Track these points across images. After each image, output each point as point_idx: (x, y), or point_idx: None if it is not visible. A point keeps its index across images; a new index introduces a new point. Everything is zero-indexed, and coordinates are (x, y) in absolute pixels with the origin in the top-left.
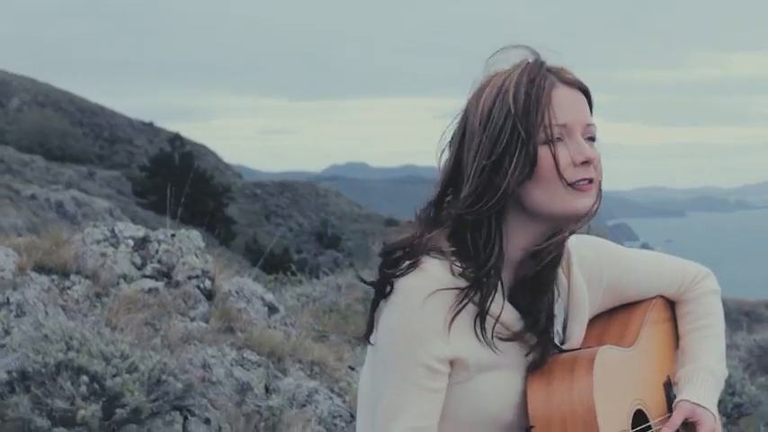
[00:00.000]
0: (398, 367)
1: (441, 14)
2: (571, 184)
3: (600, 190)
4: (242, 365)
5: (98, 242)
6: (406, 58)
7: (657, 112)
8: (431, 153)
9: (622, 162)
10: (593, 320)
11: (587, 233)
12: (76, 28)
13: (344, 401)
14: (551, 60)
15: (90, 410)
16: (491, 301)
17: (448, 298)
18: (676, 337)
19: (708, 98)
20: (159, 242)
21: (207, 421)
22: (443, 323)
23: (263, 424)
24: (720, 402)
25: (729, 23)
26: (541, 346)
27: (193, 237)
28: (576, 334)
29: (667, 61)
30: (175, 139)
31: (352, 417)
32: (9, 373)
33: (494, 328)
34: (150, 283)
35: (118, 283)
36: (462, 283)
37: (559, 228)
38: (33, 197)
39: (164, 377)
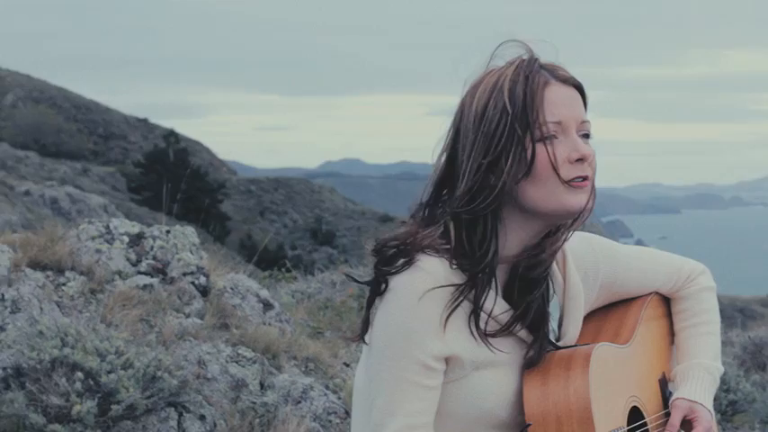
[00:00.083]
0: (394, 365)
1: (436, 11)
2: (567, 182)
3: (594, 187)
4: (237, 362)
5: (93, 238)
6: (400, 54)
7: (652, 108)
8: (426, 149)
9: (617, 159)
10: (589, 317)
11: (582, 229)
12: (71, 24)
13: (339, 398)
14: (547, 55)
15: (85, 407)
16: (485, 299)
17: (443, 295)
18: (672, 334)
19: (703, 95)
20: (154, 238)
21: (202, 418)
22: (439, 321)
23: (257, 420)
24: (715, 399)
25: (724, 20)
26: (537, 344)
27: (188, 233)
28: (572, 331)
29: (662, 58)
30: (170, 135)
31: (347, 413)
32: (4, 369)
33: (486, 323)
34: (145, 280)
35: (113, 280)
36: (457, 281)
37: (555, 225)
38: (28, 193)
39: (159, 373)
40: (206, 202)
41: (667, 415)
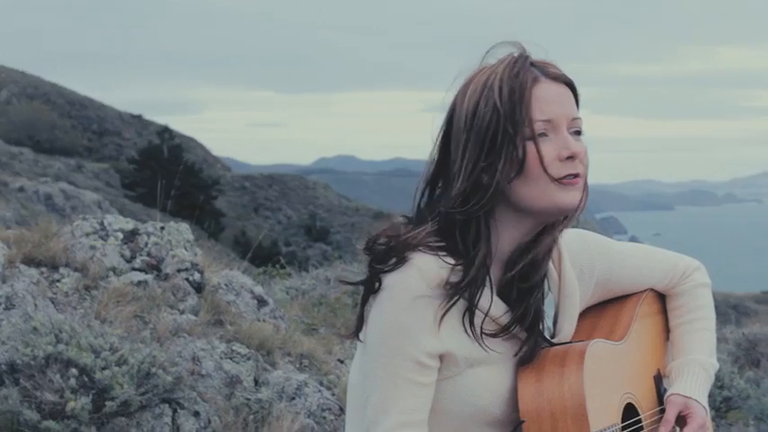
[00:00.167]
0: (388, 362)
1: (430, 7)
2: (557, 180)
3: (586, 183)
4: (231, 358)
5: (87, 235)
6: (395, 51)
7: (646, 105)
8: (420, 146)
9: (611, 155)
10: (584, 314)
11: (576, 226)
12: (66, 21)
13: (333, 394)
14: (538, 55)
15: (79, 403)
16: (480, 297)
17: (438, 292)
18: (667, 331)
19: (696, 91)
20: (148, 235)
21: (196, 414)
22: (433, 318)
23: (252, 417)
24: (709, 396)
25: (716, 17)
26: (531, 341)
27: (183, 230)
28: (567, 328)
29: (655, 55)
30: (164, 131)
31: (341, 410)
32: None
33: (483, 322)
34: (139, 276)
35: (107, 276)
36: (452, 279)
37: (547, 223)
38: (22, 190)
39: (153, 370)
40: (200, 198)
41: (662, 411)
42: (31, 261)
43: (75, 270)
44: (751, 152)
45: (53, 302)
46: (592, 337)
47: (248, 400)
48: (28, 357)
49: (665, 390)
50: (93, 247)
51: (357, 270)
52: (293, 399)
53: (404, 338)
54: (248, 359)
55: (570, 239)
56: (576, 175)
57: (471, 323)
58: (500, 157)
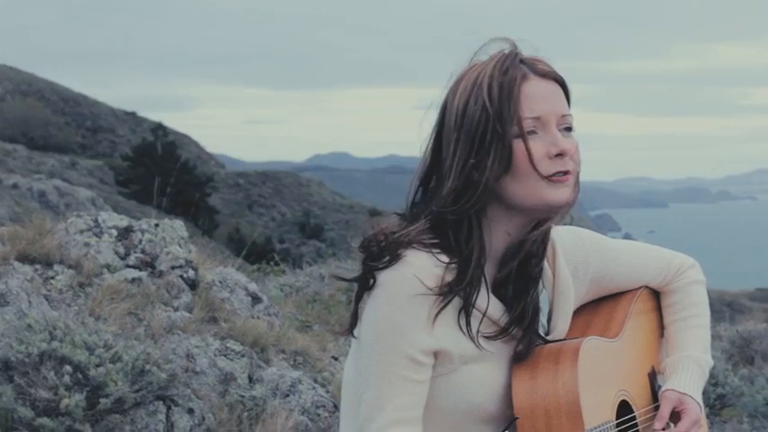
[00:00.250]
0: (383, 359)
1: (426, 5)
2: (547, 177)
3: (577, 180)
4: (225, 355)
5: (81, 232)
6: (389, 48)
7: (640, 102)
8: (414, 143)
9: (605, 152)
10: (578, 311)
11: (569, 224)
12: (60, 17)
13: (328, 391)
14: (529, 52)
15: (73, 400)
16: (476, 296)
17: (432, 290)
18: (661, 328)
19: (690, 89)
20: (143, 232)
21: (190, 411)
22: (428, 316)
23: (246, 414)
24: (703, 393)
25: (713, 14)
26: (526, 338)
27: (177, 227)
28: (561, 325)
29: (650, 52)
30: (158, 128)
31: (336, 407)
32: None
33: (480, 322)
34: (133, 273)
35: (101, 273)
36: (446, 276)
37: (539, 220)
38: (16, 186)
39: (147, 367)
40: (195, 195)
41: (656, 409)
42: (25, 258)
43: (70, 267)
44: (746, 150)
45: (47, 299)
46: (586, 335)
47: (242, 397)
48: (22, 354)
49: (660, 387)
50: (87, 245)
51: (351, 267)
52: (287, 396)
53: (398, 336)
54: (242, 356)
55: (565, 237)
56: (565, 173)
57: (468, 322)
58: (489, 155)
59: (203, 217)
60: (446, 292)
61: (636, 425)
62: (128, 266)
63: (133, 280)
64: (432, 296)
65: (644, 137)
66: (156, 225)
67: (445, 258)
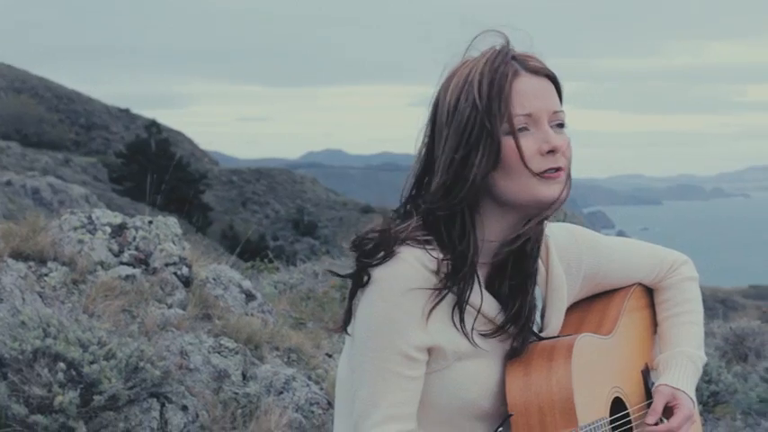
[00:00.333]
0: (377, 356)
1: (420, 1)
2: (538, 174)
3: (569, 176)
4: (219, 352)
5: (75, 229)
6: (382, 45)
7: (634, 99)
8: (407, 140)
9: (599, 150)
10: (572, 308)
11: (563, 221)
12: (53, 14)
13: (321, 389)
14: (522, 44)
15: (67, 397)
16: (470, 292)
17: (426, 286)
18: (654, 325)
19: (684, 86)
20: (136, 229)
21: (184, 408)
22: (422, 312)
23: (240, 411)
24: (697, 390)
25: (706, 12)
26: (521, 336)
27: (171, 224)
28: (555, 322)
29: (644, 49)
30: (152, 125)
31: (330, 404)
32: None
33: (475, 320)
34: (127, 270)
35: (95, 270)
36: (440, 272)
37: (531, 216)
38: (9, 183)
39: (141, 364)
40: (189, 193)
41: (650, 405)
42: (18, 255)
43: (63, 264)
44: (739, 147)
45: (41, 296)
46: (580, 332)
47: (236, 394)
48: (16, 351)
49: (653, 384)
50: (81, 242)
51: (345, 264)
52: (281, 393)
53: (392, 332)
54: (236, 353)
55: (558, 234)
56: (557, 169)
57: (461, 319)
58: (477, 151)
59: (197, 214)
60: (440, 289)
61: (630, 422)
62: (121, 263)
63: (127, 277)
64: (426, 292)
65: (638, 134)
66: (150, 222)
67: (439, 255)
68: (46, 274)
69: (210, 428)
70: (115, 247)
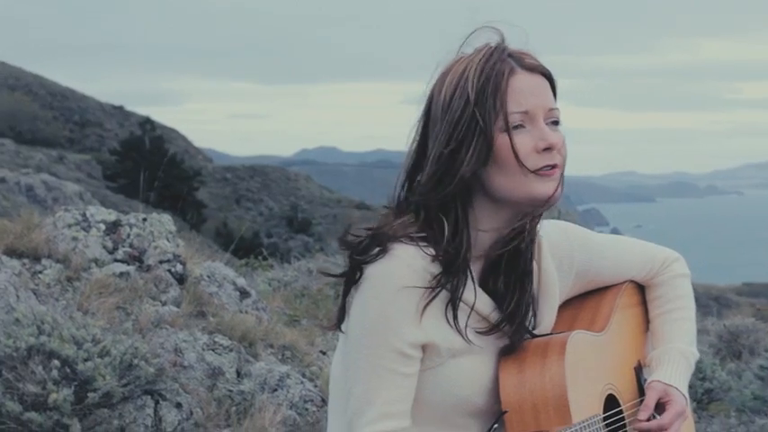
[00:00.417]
0: (371, 353)
1: None
2: (534, 171)
3: (563, 174)
4: (213, 350)
5: (69, 226)
6: (376, 42)
7: (629, 97)
8: (401, 137)
9: (593, 147)
10: (564, 306)
11: (556, 218)
12: (48, 11)
13: (316, 386)
14: (518, 41)
15: (61, 395)
16: (464, 289)
17: (419, 283)
18: (646, 322)
19: (678, 83)
20: (131, 226)
21: (178, 405)
22: (416, 309)
23: (234, 408)
24: (690, 387)
25: (701, 9)
26: (517, 333)
27: (165, 221)
28: (547, 319)
29: (638, 47)
30: (146, 122)
31: (324, 401)
32: None
33: (469, 316)
34: (122, 268)
35: (89, 268)
36: (433, 269)
37: (525, 213)
38: (3, 181)
39: (135, 361)
40: (183, 190)
41: (643, 402)
42: (12, 252)
43: (58, 261)
44: (733, 144)
45: (35, 294)
46: (572, 329)
47: (230, 391)
48: (10, 349)
49: (646, 380)
50: (75, 239)
51: (339, 262)
52: (275, 390)
53: (386, 329)
54: (230, 351)
55: (550, 231)
56: (553, 166)
57: (455, 315)
58: (469, 147)
59: (191, 211)
60: (433, 286)
61: (623, 418)
62: (116, 261)
63: (121, 274)
64: (419, 289)
65: (631, 131)
66: (144, 219)
67: (432, 251)
68: (40, 272)
69: (205, 426)
70: (109, 245)
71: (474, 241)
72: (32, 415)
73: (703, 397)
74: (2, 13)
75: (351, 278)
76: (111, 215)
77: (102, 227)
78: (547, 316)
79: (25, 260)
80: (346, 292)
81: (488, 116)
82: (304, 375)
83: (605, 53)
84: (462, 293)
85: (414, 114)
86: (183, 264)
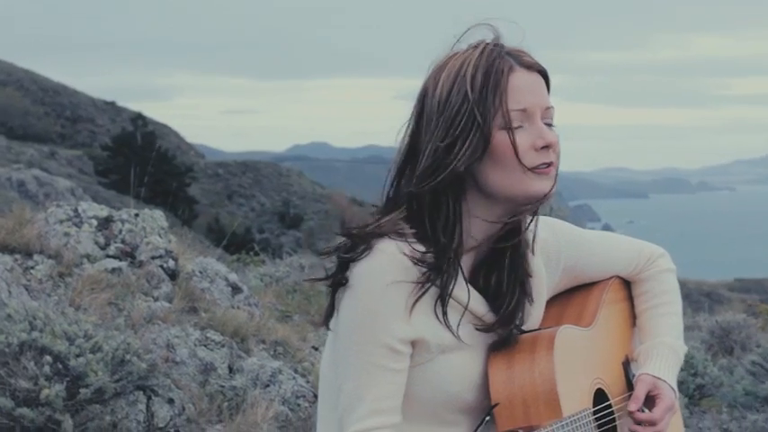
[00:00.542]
0: (361, 349)
1: None
2: (531, 169)
3: (557, 172)
4: (205, 345)
5: (61, 222)
6: (368, 38)
7: (620, 93)
8: (393, 133)
9: (585, 143)
10: (551, 301)
11: (549, 214)
12: (39, 6)
13: (308, 382)
14: (513, 37)
15: (53, 390)
16: (453, 285)
17: (409, 279)
18: (633, 317)
19: (669, 80)
20: (123, 222)
21: (170, 401)
22: (405, 304)
23: (226, 404)
24: (683, 383)
25: (691, 5)
26: (503, 328)
27: (157, 217)
28: (535, 315)
29: (629, 42)
30: (138, 118)
31: (316, 397)
32: None
33: (462, 315)
34: (114, 263)
35: (81, 263)
36: (422, 265)
37: (518, 210)
38: None
39: (127, 357)
40: (174, 185)
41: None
42: (4, 248)
43: (50, 257)
44: (724, 140)
45: (27, 290)
46: (560, 324)
47: (223, 387)
48: (2, 345)
49: (634, 375)
50: (67, 234)
51: (331, 259)
52: (267, 386)
53: (376, 325)
54: (222, 346)
55: (537, 227)
56: (549, 164)
57: (444, 311)
58: (464, 142)
59: (183, 207)
60: (423, 281)
61: (612, 413)
62: (108, 256)
63: (113, 270)
64: (408, 285)
65: (623, 127)
66: (137, 215)
67: (421, 248)
68: (32, 267)
69: (197, 421)
70: (101, 240)
71: (465, 236)
72: (24, 411)
73: (695, 392)
74: None
75: (339, 276)
76: (103, 211)
77: (94, 222)
78: (535, 312)
79: (17, 256)
80: (335, 291)
81: (487, 113)
82: (296, 371)
83: (597, 49)
84: (452, 290)
85: (406, 110)
86: (175, 259)
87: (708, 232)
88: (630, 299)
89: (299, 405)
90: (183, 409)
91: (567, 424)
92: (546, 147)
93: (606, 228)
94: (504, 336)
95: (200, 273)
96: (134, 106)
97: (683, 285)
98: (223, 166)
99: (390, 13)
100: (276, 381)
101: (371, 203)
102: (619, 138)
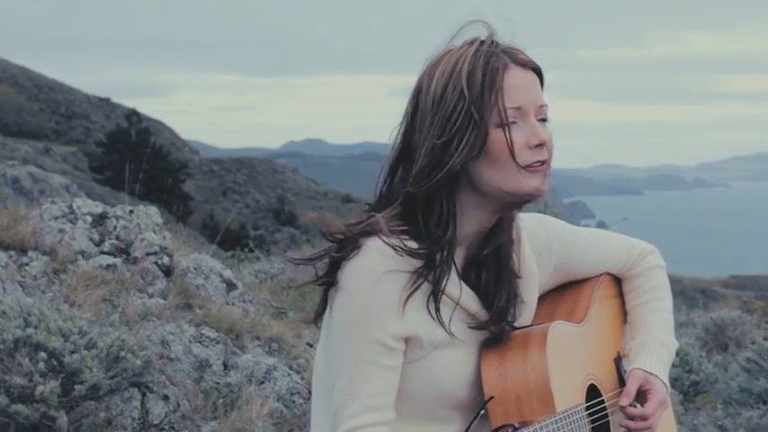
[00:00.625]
0: (354, 346)
1: None
2: (525, 167)
3: (550, 169)
4: (200, 342)
5: (56, 218)
6: (363, 35)
7: (615, 90)
8: (388, 129)
9: (579, 140)
10: (543, 298)
11: (543, 211)
12: (34, 3)
13: (303, 378)
14: (504, 33)
15: (48, 387)
16: (446, 281)
17: (401, 276)
18: (624, 314)
19: (665, 76)
20: (117, 218)
21: (165, 398)
22: (397, 301)
23: (221, 401)
24: (677, 380)
25: (687, 1)
26: (495, 325)
27: (152, 213)
28: (527, 312)
29: (625, 39)
30: (132, 114)
31: (310, 393)
32: None
33: (453, 311)
34: (108, 260)
35: (76, 260)
36: (414, 261)
37: (510, 207)
38: None
39: (122, 354)
40: (168, 181)
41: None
42: None
43: (44, 253)
44: (720, 137)
45: (22, 286)
46: (552, 321)
47: (217, 383)
48: None
49: (626, 371)
50: (61, 231)
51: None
52: (262, 383)
53: (368, 322)
54: (217, 343)
55: (529, 223)
56: (542, 162)
57: (437, 308)
58: (461, 140)
59: (177, 203)
60: (415, 278)
61: (605, 408)
62: (102, 253)
63: (108, 266)
64: (400, 276)
65: (618, 124)
66: (131, 212)
67: (414, 245)
68: (27, 264)
69: (192, 418)
70: (96, 237)
71: (458, 233)
72: (19, 407)
73: (690, 389)
74: None
75: (331, 275)
76: (98, 207)
77: (89, 219)
78: (527, 309)
79: (12, 252)
80: (327, 289)
81: (484, 111)
82: (291, 368)
83: (592, 46)
84: (445, 286)
85: (401, 106)
86: (170, 256)
87: (703, 229)
88: (621, 295)
89: (293, 402)
90: (178, 405)
91: (560, 419)
92: (540, 145)
93: (601, 225)
94: (497, 332)
95: (195, 269)
96: (129, 103)
97: (678, 282)
98: (218, 163)
99: (386, 11)
100: (271, 377)
101: (365, 201)
102: (613, 134)
